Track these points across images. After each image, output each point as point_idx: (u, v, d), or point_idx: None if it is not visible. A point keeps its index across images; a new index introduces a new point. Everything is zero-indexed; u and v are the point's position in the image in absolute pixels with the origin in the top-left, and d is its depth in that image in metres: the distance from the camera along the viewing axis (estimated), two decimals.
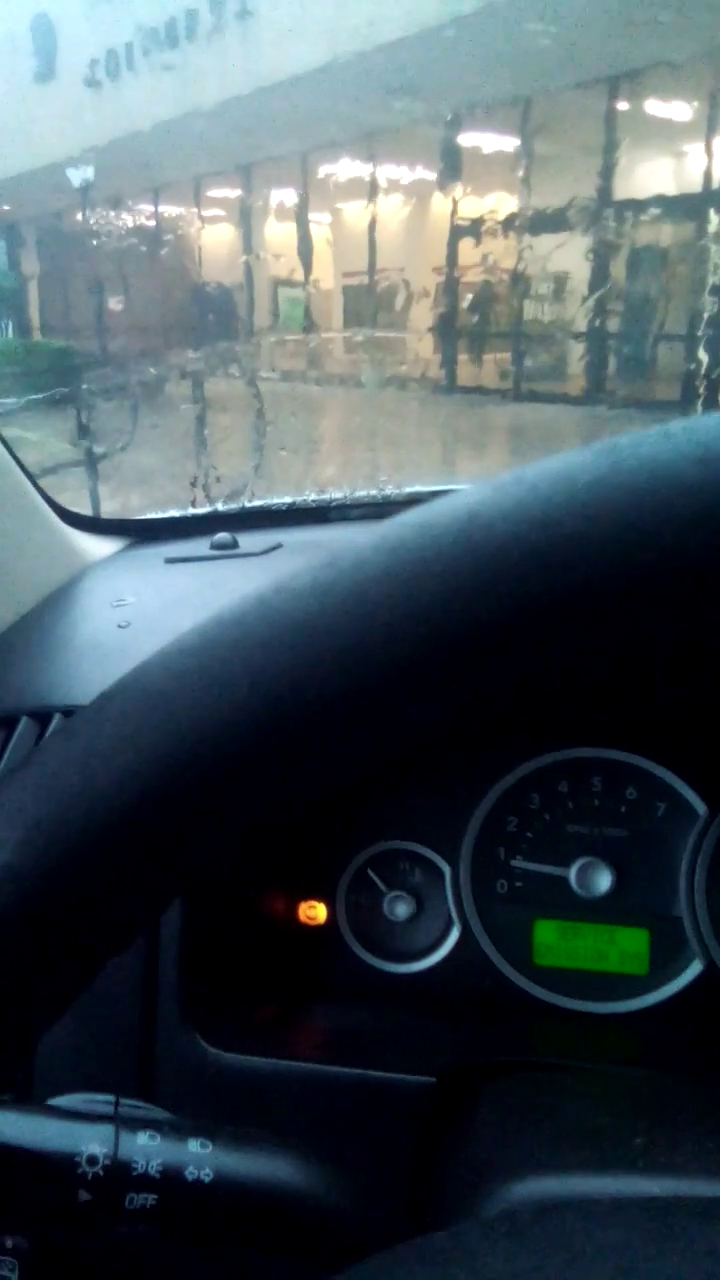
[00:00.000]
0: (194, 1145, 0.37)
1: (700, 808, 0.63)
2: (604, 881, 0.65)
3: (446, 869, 0.67)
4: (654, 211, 10.32)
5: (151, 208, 16.40)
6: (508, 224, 11.44)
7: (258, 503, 1.00)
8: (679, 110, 10.23)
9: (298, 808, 0.60)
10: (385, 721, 0.24)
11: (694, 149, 10.23)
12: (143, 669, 0.26)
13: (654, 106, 10.29)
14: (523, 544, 0.21)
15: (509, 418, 10.39)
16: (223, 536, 0.87)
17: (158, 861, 0.26)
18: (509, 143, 11.26)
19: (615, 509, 0.21)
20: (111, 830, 0.25)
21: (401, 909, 0.67)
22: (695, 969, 0.63)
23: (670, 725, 0.64)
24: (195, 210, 15.96)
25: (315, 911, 0.69)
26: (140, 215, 16.48)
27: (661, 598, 0.21)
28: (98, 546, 0.90)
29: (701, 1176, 0.38)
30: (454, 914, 0.67)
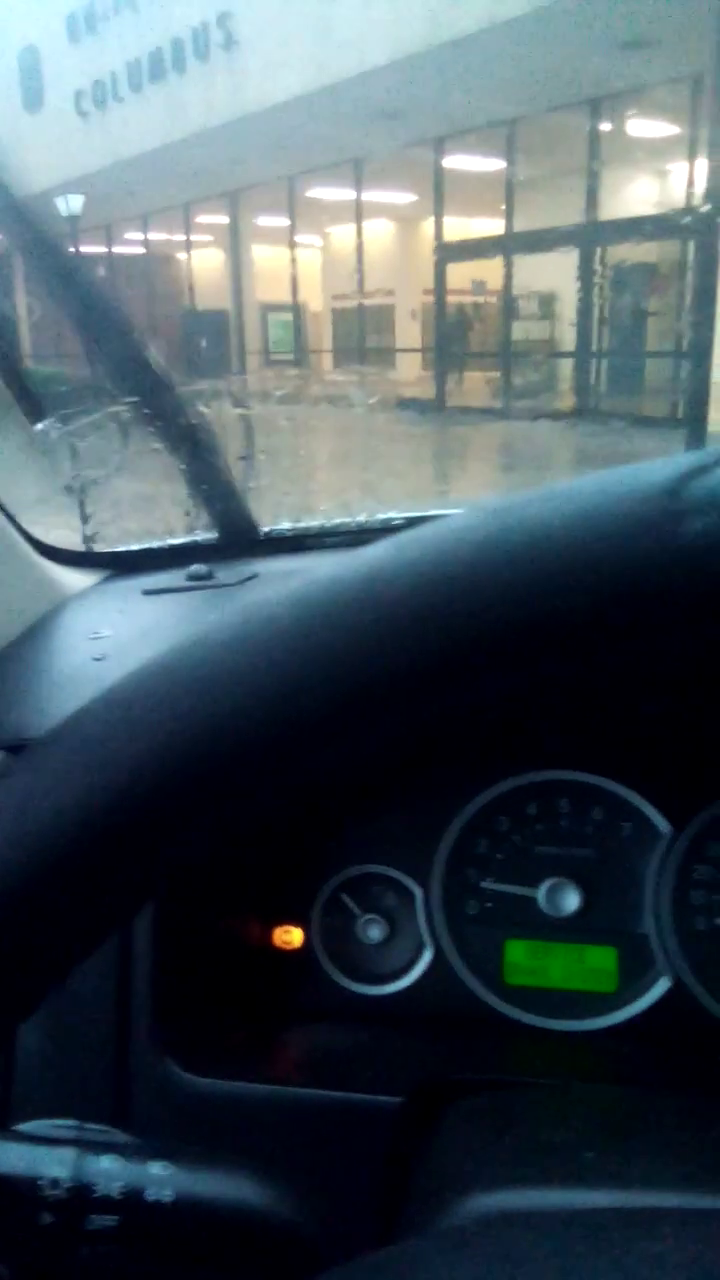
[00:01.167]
0: (155, 1167, 0.39)
1: (664, 827, 0.65)
2: (572, 901, 0.66)
3: (418, 891, 0.68)
4: (639, 230, 10.43)
5: (140, 234, 16.54)
6: (495, 245, 11.56)
7: (235, 532, 1.02)
8: (661, 131, 10.35)
9: (244, 834, 0.62)
10: (296, 765, 0.25)
11: (676, 168, 10.34)
12: (85, 709, 0.28)
13: (636, 127, 10.41)
14: (418, 601, 0.23)
15: (499, 435, 10.46)
16: (198, 568, 0.89)
17: (110, 878, 0.28)
18: (495, 165, 11.39)
19: (500, 567, 0.22)
20: (65, 850, 0.26)
21: (375, 932, 0.68)
22: (663, 985, 0.64)
23: (633, 747, 0.66)
24: (184, 236, 16.09)
25: (290, 936, 0.70)
26: (130, 242, 16.63)
27: (546, 647, 0.23)
28: (76, 579, 0.91)
29: (647, 1188, 0.39)
30: (426, 936, 0.68)
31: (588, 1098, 0.52)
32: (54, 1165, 0.37)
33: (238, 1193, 0.40)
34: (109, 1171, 0.38)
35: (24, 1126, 0.39)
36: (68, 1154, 0.38)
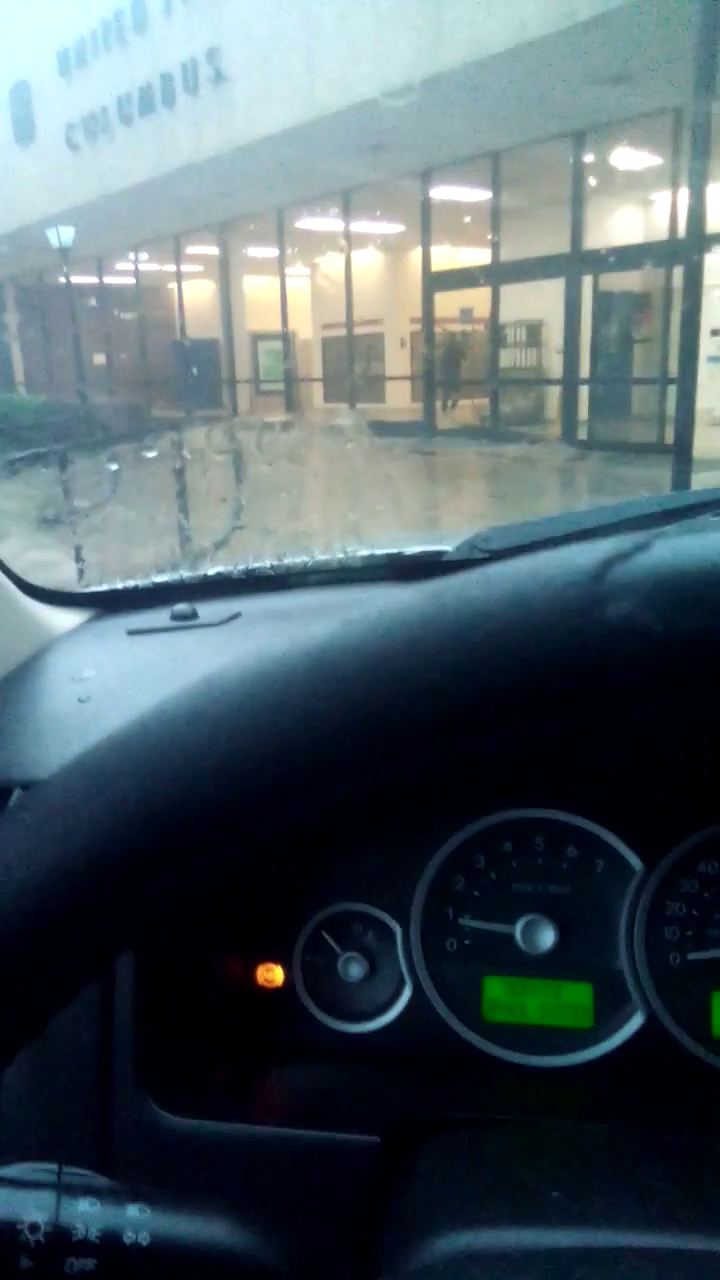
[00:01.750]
0: (133, 1210, 0.40)
1: (636, 864, 0.66)
2: (548, 938, 0.67)
3: (398, 929, 0.69)
4: (624, 259, 10.56)
5: (131, 265, 16.68)
6: (481, 274, 11.68)
7: (218, 569, 1.03)
8: (643, 162, 10.51)
9: (221, 882, 0.63)
10: (253, 829, 0.27)
11: (659, 198, 10.49)
12: (60, 773, 0.29)
13: (620, 159, 10.57)
14: (364, 678, 0.25)
15: (488, 462, 10.52)
16: (182, 607, 0.90)
17: (84, 934, 0.29)
18: (481, 196, 11.54)
19: (438, 648, 0.24)
20: (43, 905, 0.28)
21: (355, 970, 0.69)
22: (637, 1021, 0.65)
23: (606, 786, 0.67)
24: (174, 267, 16.23)
25: (272, 974, 0.71)
26: (120, 273, 16.77)
27: (481, 720, 0.24)
28: (61, 619, 0.93)
29: (611, 1228, 0.40)
30: (405, 973, 0.69)
31: (558, 1135, 0.53)
32: (33, 1209, 0.38)
33: (213, 1235, 0.41)
34: (87, 1215, 0.39)
35: (3, 1171, 0.40)
36: (47, 1198, 0.39)
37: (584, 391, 11.01)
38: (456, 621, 0.24)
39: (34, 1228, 0.38)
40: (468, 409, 12.81)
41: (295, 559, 1.06)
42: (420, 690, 0.24)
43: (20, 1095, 0.58)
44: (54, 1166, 0.40)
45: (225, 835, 0.27)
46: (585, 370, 10.96)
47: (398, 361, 14.16)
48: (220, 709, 0.26)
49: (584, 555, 0.24)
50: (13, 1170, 0.40)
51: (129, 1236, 0.39)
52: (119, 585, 1.04)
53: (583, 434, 10.92)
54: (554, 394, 11.67)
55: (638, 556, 0.24)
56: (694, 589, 0.23)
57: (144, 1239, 0.39)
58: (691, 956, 0.66)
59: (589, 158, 10.20)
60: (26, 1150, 0.41)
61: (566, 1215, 0.41)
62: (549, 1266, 0.33)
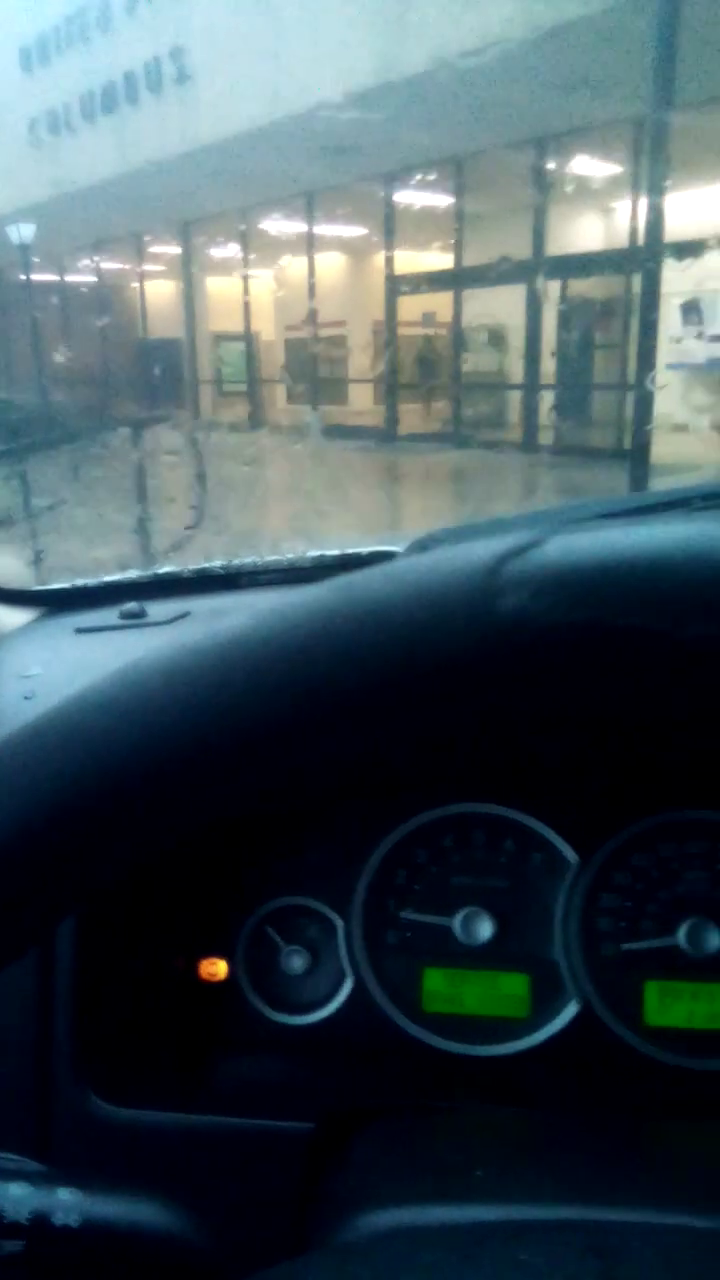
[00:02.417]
0: (64, 1194, 0.40)
1: (572, 857, 0.67)
2: (486, 930, 0.68)
3: (339, 922, 0.70)
4: (585, 265, 10.67)
5: (93, 264, 16.57)
6: (444, 279, 11.75)
7: (168, 569, 1.04)
8: (605, 170, 10.62)
9: (162, 866, 0.63)
10: (180, 808, 0.28)
11: (620, 206, 10.61)
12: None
13: (581, 166, 10.67)
14: (271, 668, 0.26)
15: (449, 465, 10.58)
16: (131, 606, 0.91)
17: (19, 900, 0.30)
18: (444, 200, 11.59)
19: (342, 639, 0.25)
20: None
21: (297, 962, 0.70)
22: (572, 1010, 0.67)
23: (543, 781, 0.69)
24: (136, 266, 16.14)
25: (215, 968, 0.72)
26: (82, 271, 16.64)
27: (385, 708, 0.25)
28: (9, 617, 0.93)
29: (529, 1202, 0.41)
30: (347, 966, 0.70)
31: (487, 1120, 0.55)
32: None
33: (145, 1218, 0.42)
34: (17, 1198, 0.40)
35: None
36: None
37: (545, 397, 11.09)
38: (359, 614, 0.25)
39: None
40: (428, 412, 12.85)
41: (246, 560, 1.07)
42: (322, 680, 0.25)
43: None
44: None
45: (144, 814, 0.28)
46: (547, 376, 11.05)
47: (360, 365, 14.18)
48: (133, 695, 0.27)
49: (482, 551, 0.25)
50: None
51: (59, 1219, 0.40)
52: (68, 584, 1.04)
53: (545, 439, 11.00)
54: (515, 399, 11.75)
55: (532, 552, 0.25)
56: (582, 583, 0.24)
57: (74, 1221, 0.40)
58: (625, 947, 0.67)
59: (551, 164, 10.29)
60: None
61: (489, 1192, 0.42)
62: (468, 1239, 0.34)
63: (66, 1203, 0.40)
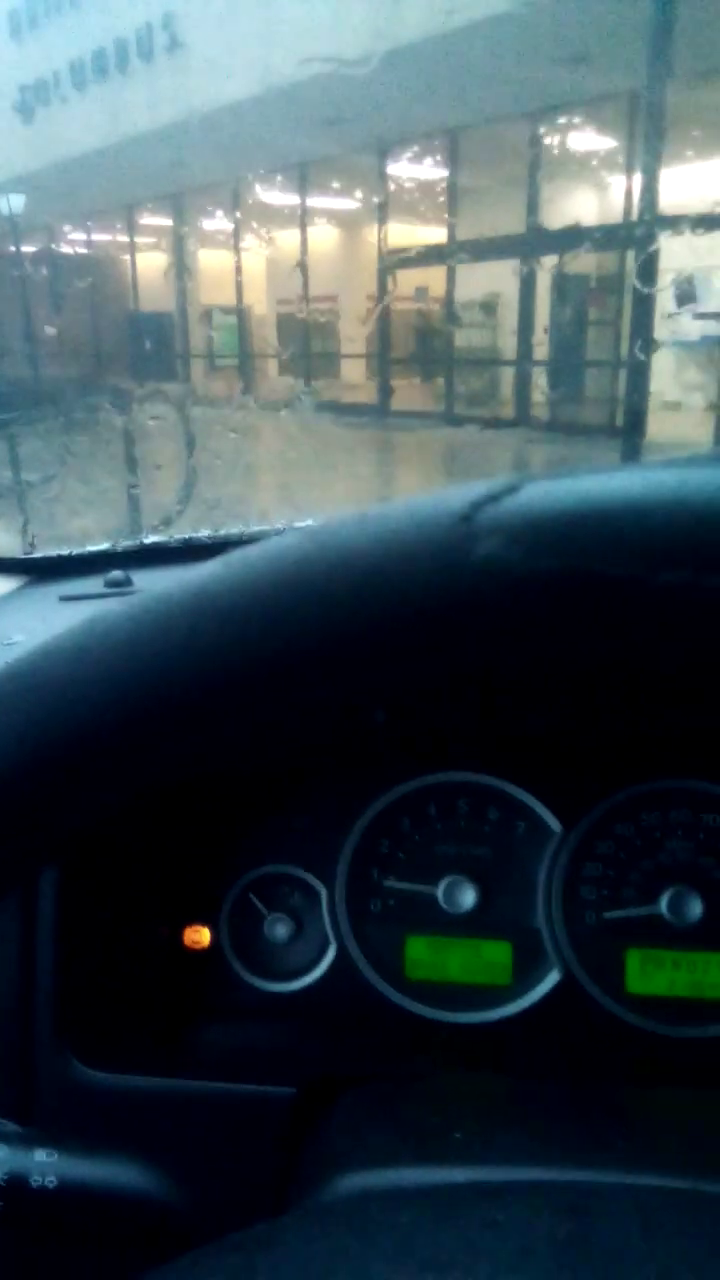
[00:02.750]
0: (40, 1155, 0.40)
1: (555, 826, 0.68)
2: (469, 898, 0.68)
3: (323, 890, 0.70)
4: (580, 240, 10.59)
5: (83, 235, 16.40)
6: (438, 253, 11.67)
7: (154, 539, 1.03)
8: (601, 143, 10.53)
9: (145, 826, 0.63)
10: (153, 754, 0.27)
11: (615, 181, 10.53)
12: None
13: (577, 140, 10.58)
14: (241, 614, 0.25)
15: (441, 441, 10.54)
16: (116, 575, 0.90)
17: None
18: (438, 173, 11.49)
19: (312, 584, 0.25)
20: None
21: (281, 930, 0.70)
22: (554, 978, 0.67)
23: (527, 750, 0.69)
24: (127, 237, 15.99)
25: (199, 935, 0.72)
26: (73, 242, 16.48)
27: (355, 656, 0.25)
28: None
29: (504, 1164, 0.41)
30: (330, 933, 0.70)
31: (467, 1086, 0.55)
32: None
33: (123, 1179, 0.42)
34: None
35: None
36: None
37: (538, 373, 11.05)
38: (329, 560, 0.25)
39: None
40: (421, 387, 12.79)
41: (232, 530, 1.06)
42: (293, 627, 0.25)
43: None
44: None
45: (111, 763, 0.27)
46: (540, 352, 11.00)
47: (352, 339, 14.09)
48: (104, 643, 0.27)
49: (456, 497, 0.25)
50: None
51: (36, 1180, 0.40)
52: (54, 553, 1.03)
53: (538, 415, 10.96)
54: (508, 375, 11.70)
55: (506, 498, 0.25)
56: (556, 529, 0.24)
57: (51, 1182, 0.40)
58: (607, 915, 0.68)
59: (547, 138, 10.20)
60: None
61: (465, 1154, 0.42)
62: (440, 1201, 0.34)
63: (44, 1164, 0.40)
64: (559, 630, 0.24)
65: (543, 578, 0.23)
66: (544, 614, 0.24)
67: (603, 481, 0.24)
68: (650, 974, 0.67)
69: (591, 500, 0.24)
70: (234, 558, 0.27)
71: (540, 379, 11.03)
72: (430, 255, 11.99)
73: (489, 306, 12.12)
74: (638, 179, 9.15)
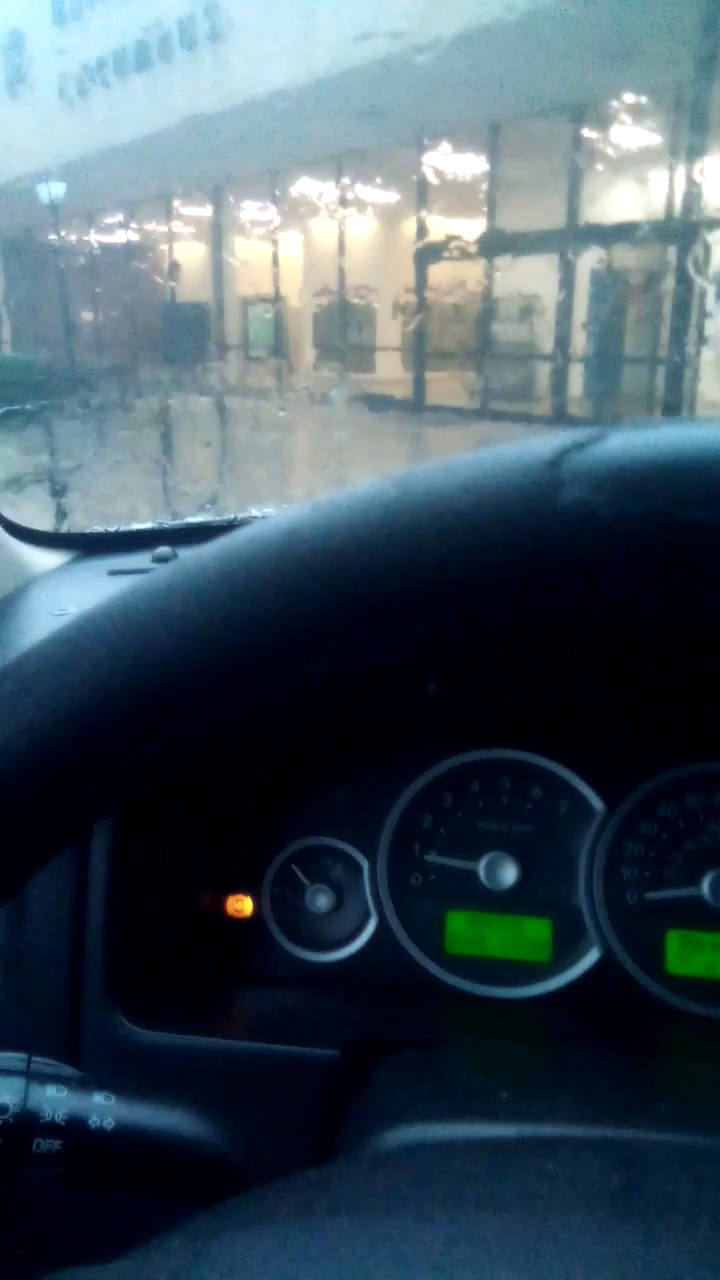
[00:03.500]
0: (99, 1098, 0.42)
1: (598, 805, 0.68)
2: (510, 875, 0.69)
3: (365, 863, 0.71)
4: (620, 235, 10.51)
5: (122, 224, 16.46)
6: (476, 246, 11.61)
7: (200, 518, 1.04)
8: (644, 138, 10.44)
9: (196, 783, 0.64)
10: (225, 699, 0.28)
11: (657, 176, 10.43)
12: (36, 646, 0.31)
13: (617, 134, 10.49)
14: (330, 554, 0.26)
15: (475, 436, 10.50)
16: (163, 550, 0.92)
17: (64, 792, 0.30)
18: (478, 166, 11.43)
19: (400, 527, 0.26)
20: (19, 766, 0.29)
21: (322, 901, 0.71)
22: (593, 956, 0.67)
23: (572, 729, 0.69)
24: (166, 227, 16.03)
25: (242, 904, 0.73)
26: (111, 231, 16.55)
27: (440, 599, 0.26)
28: (44, 559, 0.94)
29: (553, 1122, 0.42)
30: (371, 906, 0.71)
31: (511, 1053, 0.55)
32: (3, 1093, 0.40)
33: (175, 1124, 0.43)
34: (54, 1100, 0.41)
35: None
36: (16, 1083, 0.41)
37: (575, 369, 10.98)
38: (417, 505, 0.26)
39: (2, 1109, 0.40)
40: (456, 381, 12.73)
41: (271, 511, 1.07)
42: (382, 568, 0.26)
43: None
44: (24, 1055, 0.42)
45: (194, 703, 0.28)
46: (579, 347, 10.93)
47: (389, 331, 14.07)
48: (193, 582, 0.27)
49: (542, 445, 0.26)
50: None
51: (94, 1121, 0.41)
52: (101, 529, 1.05)
53: (575, 410, 10.89)
54: (545, 370, 11.63)
55: (592, 446, 0.25)
56: (642, 475, 0.24)
57: (108, 1124, 0.41)
58: (648, 896, 0.68)
59: (588, 131, 10.13)
60: (1, 1041, 0.43)
61: (513, 1111, 0.43)
62: (492, 1152, 0.35)
63: (101, 1106, 0.41)
64: (641, 574, 0.25)
65: (627, 522, 0.24)
66: (627, 557, 0.25)
67: (687, 430, 0.25)
68: (690, 955, 0.67)
69: (675, 448, 0.25)
70: (322, 501, 0.28)
71: (577, 375, 10.97)
72: (468, 249, 11.94)
73: (527, 301, 12.05)
74: (681, 174, 9.07)
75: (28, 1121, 0.40)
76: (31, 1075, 0.41)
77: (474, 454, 0.26)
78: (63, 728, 0.28)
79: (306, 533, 0.27)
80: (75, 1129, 0.40)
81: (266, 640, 0.27)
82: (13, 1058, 0.42)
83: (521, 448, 0.26)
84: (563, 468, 0.25)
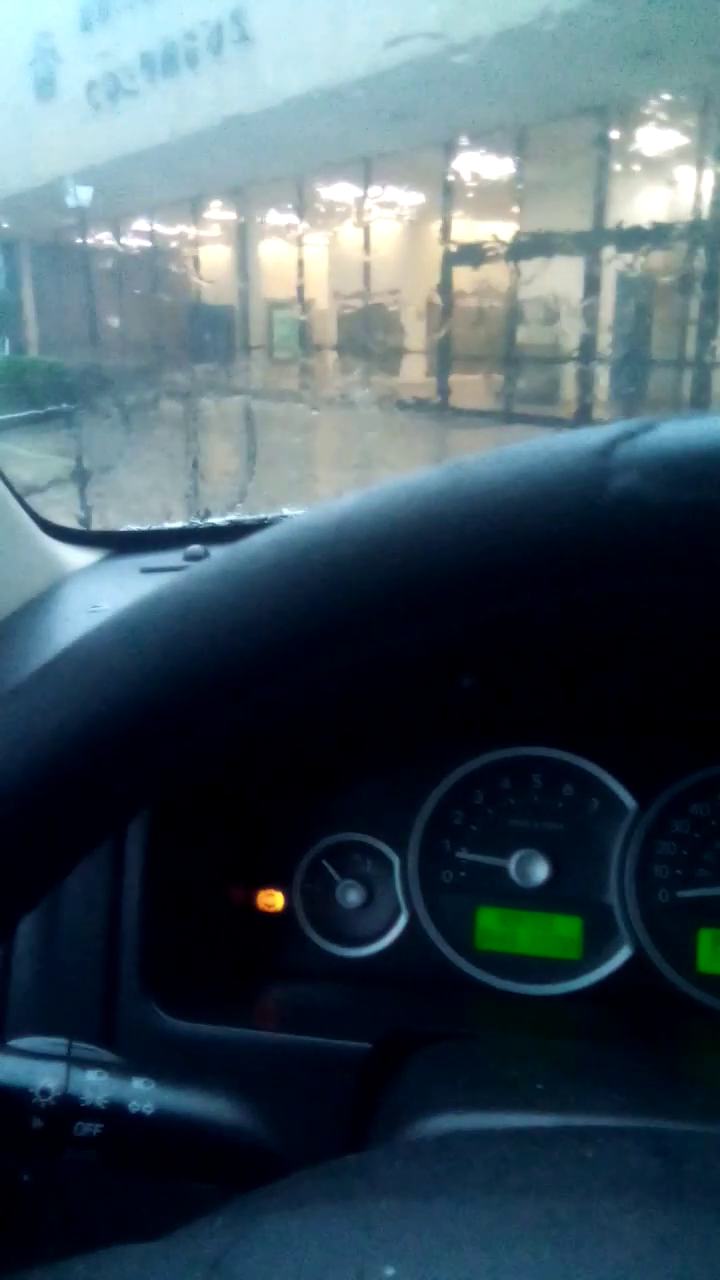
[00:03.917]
0: (138, 1083, 0.42)
1: (630, 803, 0.68)
2: (541, 872, 0.69)
3: (396, 859, 0.72)
4: (646, 239, 10.46)
5: (148, 227, 16.55)
6: (503, 248, 11.59)
7: (231, 518, 1.05)
8: (670, 140, 10.39)
9: (230, 779, 0.65)
10: (271, 687, 0.28)
11: (684, 178, 10.38)
12: (79, 641, 0.31)
13: (645, 136, 10.44)
14: (382, 542, 0.26)
15: (501, 439, 10.47)
16: (195, 548, 0.92)
17: (103, 784, 0.31)
18: (505, 169, 11.42)
19: (451, 515, 0.26)
20: (64, 758, 0.29)
21: (353, 897, 0.72)
22: (624, 954, 0.67)
23: (604, 726, 0.69)
24: (192, 231, 16.10)
25: (273, 899, 0.73)
26: (137, 235, 16.64)
27: (491, 586, 0.26)
28: (78, 557, 0.95)
29: (587, 1113, 0.42)
30: (402, 902, 0.71)
31: (545, 1046, 0.56)
32: (46, 1077, 0.41)
33: (213, 1110, 0.44)
34: (95, 1084, 0.41)
35: (18, 1042, 0.43)
36: (58, 1067, 0.41)
37: (601, 371, 10.94)
38: (469, 493, 0.26)
39: (45, 1093, 0.40)
40: (481, 383, 12.71)
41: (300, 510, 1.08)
42: (433, 555, 0.26)
43: (30, 992, 0.61)
44: (65, 1040, 0.43)
45: (242, 692, 0.28)
46: (604, 350, 10.89)
47: (414, 334, 14.06)
48: (246, 568, 0.28)
49: (593, 435, 0.26)
50: (27, 1042, 0.43)
51: (134, 1106, 0.42)
52: (133, 528, 1.06)
53: (600, 414, 10.84)
54: (570, 373, 11.59)
55: (643, 435, 0.26)
56: (694, 464, 0.25)
57: (148, 1109, 0.42)
58: (680, 894, 0.68)
59: (615, 134, 10.10)
60: (40, 1027, 0.44)
61: (549, 1102, 0.43)
62: (528, 1140, 0.35)
63: (141, 1091, 0.42)
64: (691, 562, 0.25)
65: (677, 510, 0.24)
66: (678, 545, 0.25)
67: None
68: None
69: None
70: (374, 490, 0.28)
71: (603, 378, 10.92)
72: (494, 251, 11.92)
73: (553, 304, 12.01)
74: (708, 176, 9.03)
75: (69, 1105, 0.40)
76: (73, 1060, 0.42)
77: (525, 444, 0.27)
78: (112, 717, 0.28)
79: (358, 521, 0.27)
80: (116, 1113, 0.41)
81: (317, 629, 0.27)
82: (55, 1042, 0.43)
83: (572, 437, 0.26)
84: (614, 456, 0.25)
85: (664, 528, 0.25)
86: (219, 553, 0.29)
